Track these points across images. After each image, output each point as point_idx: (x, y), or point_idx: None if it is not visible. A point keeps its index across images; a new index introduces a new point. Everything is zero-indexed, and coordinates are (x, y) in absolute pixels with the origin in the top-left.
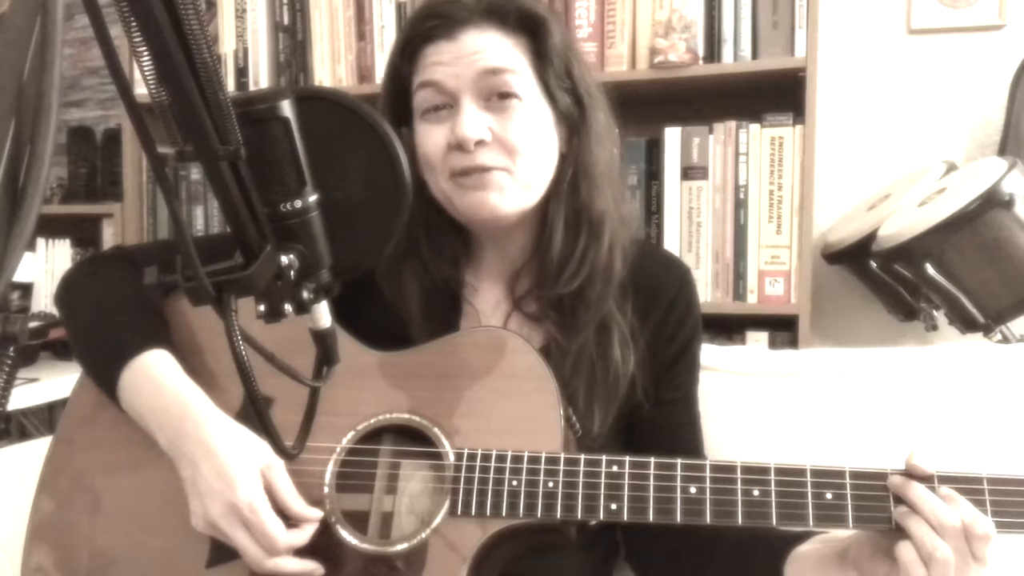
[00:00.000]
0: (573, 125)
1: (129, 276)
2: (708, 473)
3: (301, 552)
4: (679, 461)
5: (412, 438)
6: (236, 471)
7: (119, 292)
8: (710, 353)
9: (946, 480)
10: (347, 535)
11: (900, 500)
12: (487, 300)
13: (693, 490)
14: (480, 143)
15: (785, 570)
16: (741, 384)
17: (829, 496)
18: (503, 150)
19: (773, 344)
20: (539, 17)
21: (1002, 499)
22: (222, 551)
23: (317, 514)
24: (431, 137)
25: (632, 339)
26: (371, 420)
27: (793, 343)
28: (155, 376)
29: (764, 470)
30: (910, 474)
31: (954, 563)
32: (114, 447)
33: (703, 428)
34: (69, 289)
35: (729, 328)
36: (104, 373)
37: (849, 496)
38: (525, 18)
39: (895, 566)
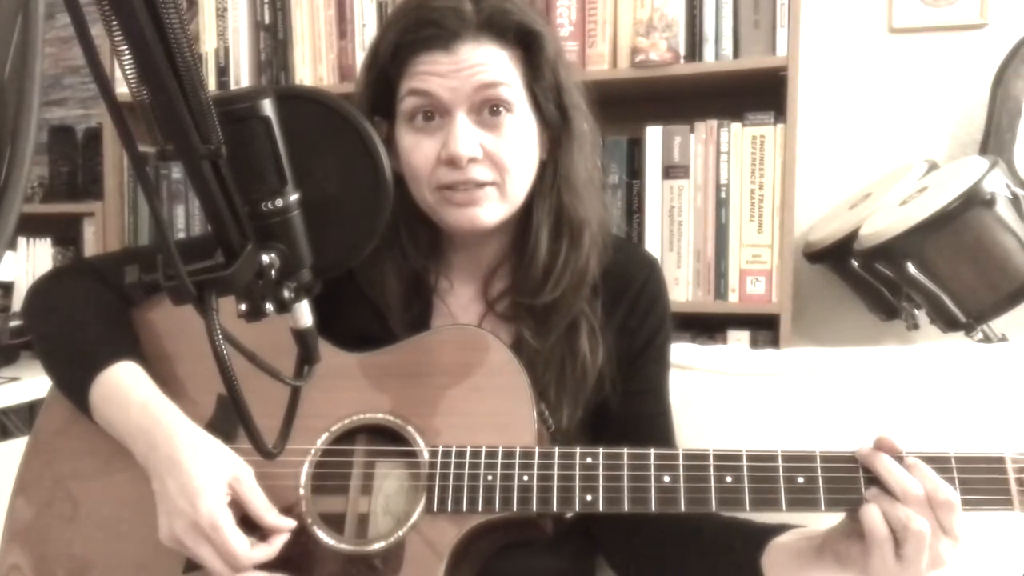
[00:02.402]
0: (555, 133)
1: (95, 287)
2: (681, 461)
3: (279, 554)
4: (652, 451)
5: (386, 438)
6: (200, 485)
7: (84, 304)
8: (691, 352)
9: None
10: (324, 536)
11: (871, 482)
12: (459, 299)
13: (667, 479)
14: (472, 160)
15: (763, 561)
16: (722, 384)
17: (801, 480)
18: (493, 166)
19: (754, 343)
20: (536, 32)
21: (970, 476)
22: None
23: (290, 523)
24: (420, 149)
25: (600, 332)
26: (345, 421)
27: (774, 342)
28: (125, 389)
29: (736, 456)
30: (879, 448)
31: (929, 535)
32: (89, 455)
33: (686, 426)
34: (34, 304)
35: (710, 327)
36: (74, 388)
37: (820, 479)
38: (523, 33)
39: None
